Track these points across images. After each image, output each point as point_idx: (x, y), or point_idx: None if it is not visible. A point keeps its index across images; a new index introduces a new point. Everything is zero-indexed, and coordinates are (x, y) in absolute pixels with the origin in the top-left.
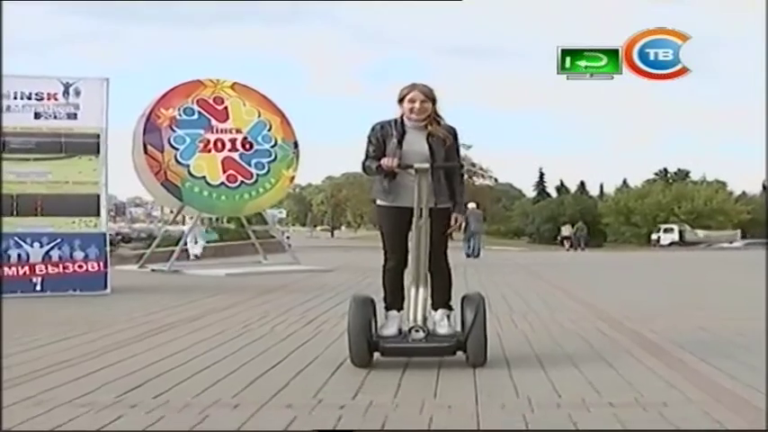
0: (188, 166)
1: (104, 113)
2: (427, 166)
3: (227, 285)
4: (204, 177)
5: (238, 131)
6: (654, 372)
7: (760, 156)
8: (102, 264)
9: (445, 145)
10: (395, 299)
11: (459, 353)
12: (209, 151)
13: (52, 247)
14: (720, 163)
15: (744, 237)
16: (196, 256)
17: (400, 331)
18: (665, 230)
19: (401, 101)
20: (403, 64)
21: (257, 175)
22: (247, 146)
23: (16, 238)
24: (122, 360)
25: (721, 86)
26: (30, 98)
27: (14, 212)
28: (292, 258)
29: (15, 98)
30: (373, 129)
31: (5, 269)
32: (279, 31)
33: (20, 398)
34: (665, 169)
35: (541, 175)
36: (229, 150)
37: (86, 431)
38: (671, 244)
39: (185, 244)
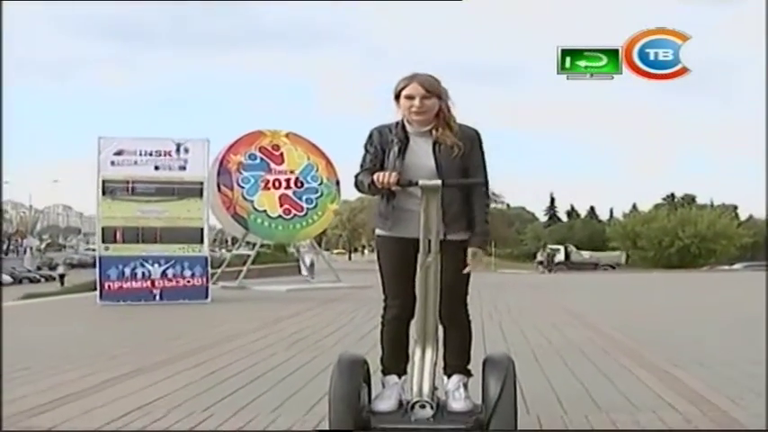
0: (252, 201)
1: (206, 166)
2: (437, 183)
3: (295, 297)
4: (265, 211)
5: (292, 172)
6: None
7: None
8: (204, 279)
9: (455, 155)
10: (396, 360)
11: None
12: (269, 189)
13: (167, 267)
14: (734, 186)
15: (752, 259)
16: (308, 272)
17: (401, 404)
18: (549, 251)
19: (397, 97)
20: None
21: (307, 208)
22: (299, 184)
23: (141, 260)
24: (271, 333)
25: (739, 107)
26: (151, 155)
27: (140, 240)
28: (335, 277)
29: (141, 155)
30: (370, 135)
31: (132, 283)
32: (293, 54)
33: (230, 348)
34: (672, 194)
35: (552, 200)
36: (285, 188)
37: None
38: (557, 264)
39: (302, 262)
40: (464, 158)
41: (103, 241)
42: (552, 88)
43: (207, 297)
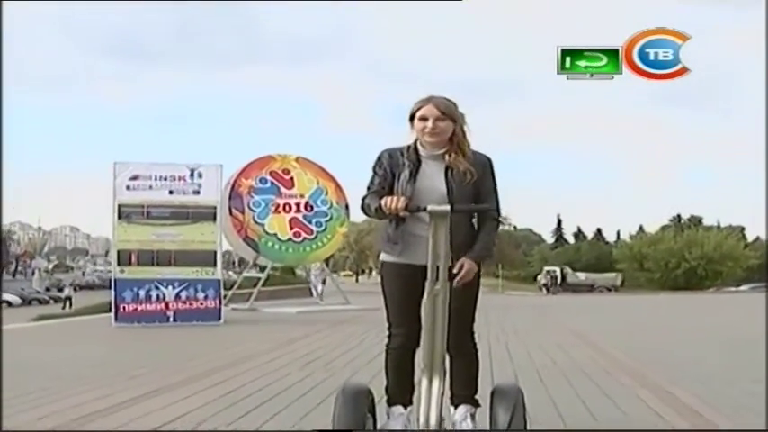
0: (263, 224)
1: (219, 191)
2: (446, 209)
3: (305, 319)
4: (276, 234)
5: (302, 196)
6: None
7: None
8: (217, 302)
9: (467, 181)
10: (401, 390)
11: None
12: (279, 213)
13: (181, 289)
14: (741, 207)
15: (759, 281)
16: (319, 294)
17: None
18: (548, 272)
19: (412, 119)
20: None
21: (317, 231)
22: (309, 208)
23: (156, 283)
24: (284, 354)
25: (741, 120)
26: (166, 179)
27: (154, 263)
28: (344, 299)
29: (156, 179)
30: (379, 157)
31: (147, 305)
32: (297, 71)
33: (246, 369)
34: (679, 216)
35: (559, 222)
36: (295, 212)
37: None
38: (557, 285)
39: (313, 285)
40: (476, 184)
41: (119, 264)
42: (557, 101)
43: (220, 319)
